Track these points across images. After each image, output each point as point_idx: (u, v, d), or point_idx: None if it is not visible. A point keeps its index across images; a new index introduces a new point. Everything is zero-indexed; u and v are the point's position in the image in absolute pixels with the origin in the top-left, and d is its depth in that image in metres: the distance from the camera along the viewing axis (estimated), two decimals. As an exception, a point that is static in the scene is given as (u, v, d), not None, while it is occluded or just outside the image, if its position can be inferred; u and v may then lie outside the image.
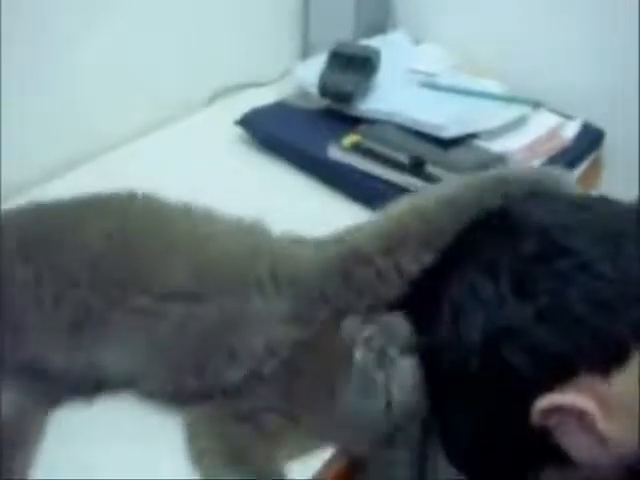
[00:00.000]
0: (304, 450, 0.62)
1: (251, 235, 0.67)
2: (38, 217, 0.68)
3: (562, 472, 0.57)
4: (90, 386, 0.64)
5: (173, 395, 0.63)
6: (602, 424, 0.53)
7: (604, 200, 0.66)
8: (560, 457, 0.56)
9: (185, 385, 0.62)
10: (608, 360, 0.53)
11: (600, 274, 0.55)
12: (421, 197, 0.66)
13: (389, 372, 0.58)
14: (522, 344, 0.55)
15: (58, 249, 0.63)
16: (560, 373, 0.54)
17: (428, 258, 0.62)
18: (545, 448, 0.56)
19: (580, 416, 0.54)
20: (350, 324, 0.60)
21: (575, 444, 0.55)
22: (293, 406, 0.62)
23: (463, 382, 0.59)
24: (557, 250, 0.56)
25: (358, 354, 0.58)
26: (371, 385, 0.58)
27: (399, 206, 0.66)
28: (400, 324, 0.60)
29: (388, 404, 0.58)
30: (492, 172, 0.66)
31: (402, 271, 0.62)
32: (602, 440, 0.54)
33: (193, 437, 0.61)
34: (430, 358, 0.61)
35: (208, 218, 0.69)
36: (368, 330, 0.59)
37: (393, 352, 0.59)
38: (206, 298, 0.61)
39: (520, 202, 0.64)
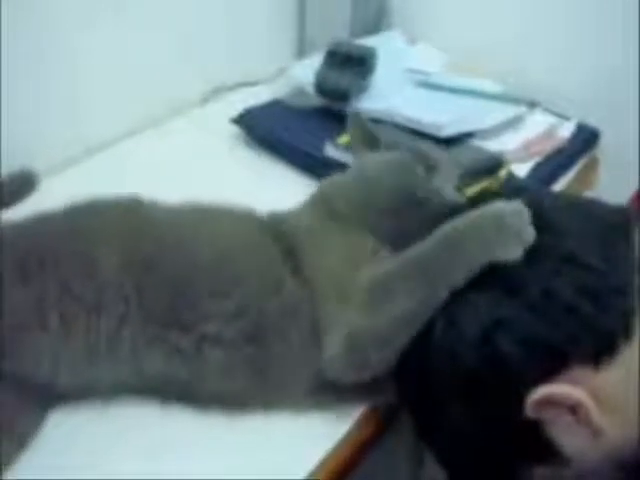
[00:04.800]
0: None
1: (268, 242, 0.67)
2: (36, 232, 0.63)
3: (552, 470, 0.58)
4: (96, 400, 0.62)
5: None
6: (595, 415, 0.53)
7: (592, 200, 0.67)
8: (551, 454, 0.56)
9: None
10: (598, 351, 0.54)
11: (588, 265, 0.56)
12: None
13: None
14: (515, 335, 0.56)
15: (65, 269, 0.59)
16: (553, 364, 0.55)
17: None
18: (537, 444, 0.57)
19: (574, 408, 0.54)
20: None
21: (568, 437, 0.56)
22: None
23: (459, 378, 0.59)
24: (546, 245, 0.57)
25: None
26: None
27: None
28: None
29: None
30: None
31: None
32: (595, 432, 0.54)
33: None
34: (425, 356, 0.61)
35: (219, 222, 0.68)
36: None
37: None
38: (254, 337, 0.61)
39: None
